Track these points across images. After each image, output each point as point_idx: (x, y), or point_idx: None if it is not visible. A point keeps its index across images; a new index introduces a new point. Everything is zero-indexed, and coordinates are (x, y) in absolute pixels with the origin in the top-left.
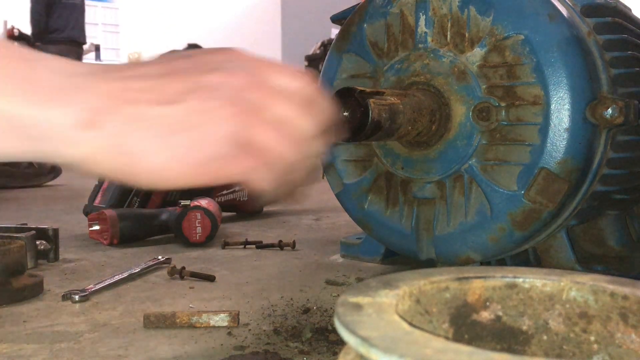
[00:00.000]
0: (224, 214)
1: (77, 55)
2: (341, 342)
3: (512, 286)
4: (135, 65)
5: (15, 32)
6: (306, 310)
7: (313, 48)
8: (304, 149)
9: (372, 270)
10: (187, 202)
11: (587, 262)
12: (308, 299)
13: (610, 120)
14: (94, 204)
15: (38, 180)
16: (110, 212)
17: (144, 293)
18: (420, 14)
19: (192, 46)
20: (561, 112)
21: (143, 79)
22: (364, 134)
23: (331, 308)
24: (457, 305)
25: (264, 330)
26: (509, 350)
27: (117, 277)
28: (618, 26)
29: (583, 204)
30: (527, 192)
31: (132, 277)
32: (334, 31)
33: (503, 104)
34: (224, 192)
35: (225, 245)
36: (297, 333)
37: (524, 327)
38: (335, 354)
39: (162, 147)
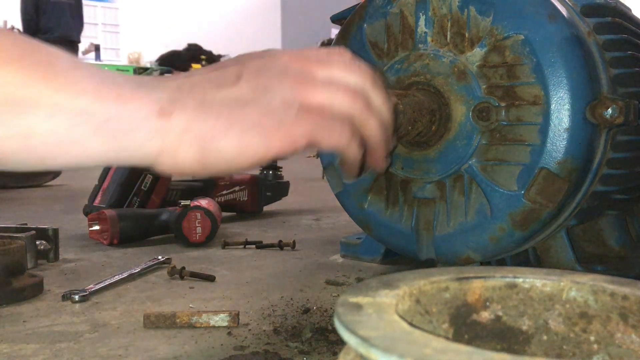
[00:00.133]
0: (224, 214)
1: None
2: (341, 342)
3: (512, 286)
4: (186, 73)
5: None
6: (306, 310)
7: None
8: (359, 100)
9: (372, 270)
10: (187, 202)
11: (587, 262)
12: (308, 299)
13: (610, 120)
14: (94, 204)
15: (38, 180)
16: (110, 212)
17: (144, 293)
18: (420, 14)
19: (192, 46)
20: (561, 112)
21: (202, 75)
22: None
23: (331, 308)
24: (457, 305)
25: (264, 330)
26: (509, 350)
27: (117, 277)
28: (618, 26)
29: (583, 204)
30: (527, 192)
31: (132, 277)
32: (334, 31)
33: (503, 104)
34: (224, 192)
35: (225, 245)
36: (297, 333)
37: (524, 327)
38: (335, 354)
39: (233, 124)
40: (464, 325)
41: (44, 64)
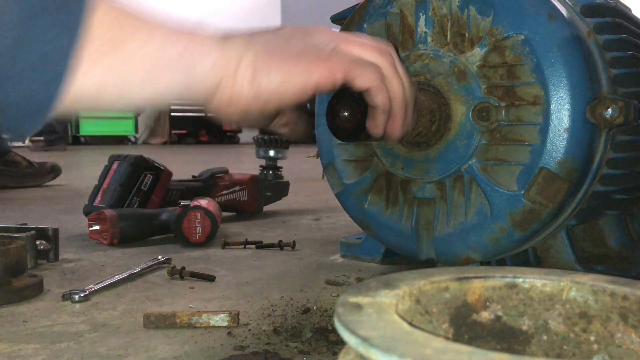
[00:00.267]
0: (224, 214)
1: None
2: (341, 342)
3: (512, 286)
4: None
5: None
6: (306, 310)
7: None
8: (387, 58)
9: (372, 270)
10: (187, 202)
11: (587, 262)
12: (308, 299)
13: (610, 120)
14: (94, 204)
15: (38, 180)
16: (110, 212)
17: (144, 293)
18: (420, 14)
19: None
20: (561, 112)
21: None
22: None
23: (331, 308)
24: (457, 305)
25: (264, 330)
26: (509, 350)
27: (117, 277)
28: (618, 26)
29: (583, 204)
30: (527, 192)
31: (132, 277)
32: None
33: (503, 104)
34: (224, 192)
35: (225, 245)
36: (297, 333)
37: (524, 327)
38: (335, 354)
39: (278, 54)
40: (464, 325)
41: (139, 19)
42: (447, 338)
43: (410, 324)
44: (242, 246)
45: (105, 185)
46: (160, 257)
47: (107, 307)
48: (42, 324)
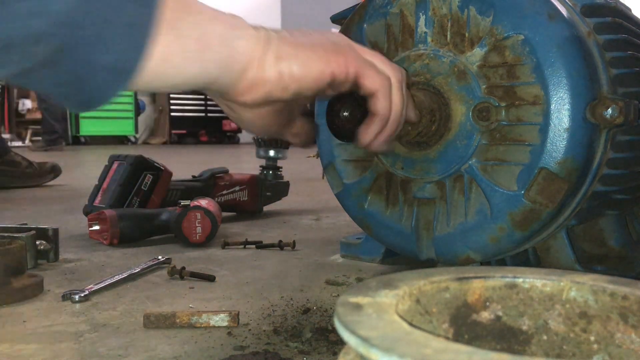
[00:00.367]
0: (224, 214)
1: None
2: (341, 342)
3: (512, 286)
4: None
5: None
6: (306, 310)
7: None
8: (397, 73)
9: (372, 270)
10: (187, 202)
11: (587, 262)
12: (308, 299)
13: (610, 120)
14: (94, 204)
15: (38, 180)
16: (110, 212)
17: (144, 293)
18: (420, 14)
19: None
20: (561, 112)
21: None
22: None
23: (331, 308)
24: (457, 305)
25: (264, 330)
26: (509, 350)
27: (117, 277)
28: (618, 26)
29: (583, 204)
30: (527, 192)
31: (132, 277)
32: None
33: (503, 104)
34: (224, 192)
35: (225, 245)
36: (297, 333)
37: (524, 327)
38: (335, 354)
39: (300, 44)
40: (464, 325)
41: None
42: (447, 338)
43: (410, 324)
44: (242, 246)
45: (105, 185)
46: (160, 257)
47: (107, 307)
48: (42, 324)
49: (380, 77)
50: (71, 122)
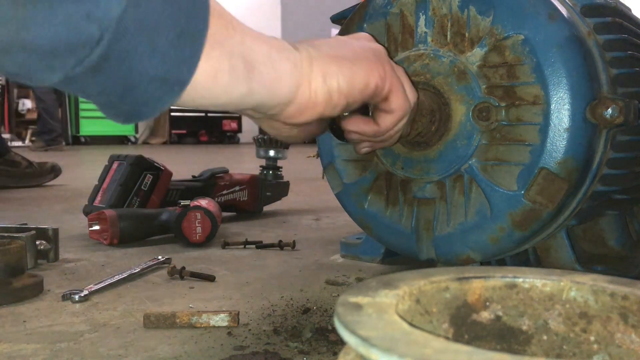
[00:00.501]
0: (224, 214)
1: None
2: (341, 342)
3: (512, 286)
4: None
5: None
6: (306, 310)
7: None
8: (413, 99)
9: (372, 270)
10: (187, 202)
11: (587, 262)
12: (308, 299)
13: (610, 120)
14: (94, 204)
15: (38, 180)
16: (110, 212)
17: (144, 293)
18: (420, 14)
19: None
20: (561, 112)
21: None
22: None
23: (331, 308)
24: (457, 305)
25: (264, 330)
26: (509, 350)
27: (117, 277)
28: (618, 26)
29: (583, 204)
30: (527, 192)
31: (132, 277)
32: (334, 31)
33: (503, 104)
34: (224, 192)
35: (225, 245)
36: (297, 333)
37: (524, 327)
38: (335, 354)
39: (343, 57)
40: (464, 325)
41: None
42: (447, 338)
43: (410, 324)
44: (242, 246)
45: (105, 185)
46: (160, 257)
47: (107, 307)
48: (42, 324)
49: (406, 102)
50: (71, 122)
